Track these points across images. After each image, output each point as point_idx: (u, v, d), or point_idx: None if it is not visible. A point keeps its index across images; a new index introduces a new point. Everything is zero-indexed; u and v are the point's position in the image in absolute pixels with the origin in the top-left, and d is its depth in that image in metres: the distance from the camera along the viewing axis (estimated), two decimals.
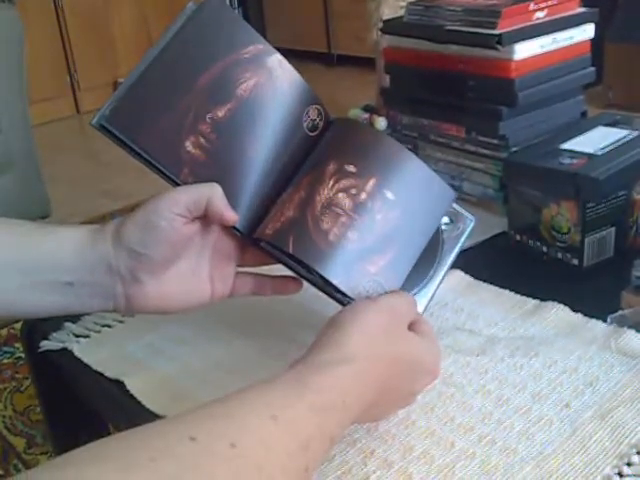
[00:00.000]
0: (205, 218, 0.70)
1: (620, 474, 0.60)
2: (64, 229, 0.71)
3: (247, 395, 0.54)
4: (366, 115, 4.16)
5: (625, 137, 0.96)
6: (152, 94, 0.71)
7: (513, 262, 0.98)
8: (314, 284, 0.73)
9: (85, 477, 0.41)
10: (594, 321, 0.80)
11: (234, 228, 0.73)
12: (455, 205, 0.79)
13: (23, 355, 1.21)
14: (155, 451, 0.45)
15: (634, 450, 0.62)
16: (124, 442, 0.46)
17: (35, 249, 0.70)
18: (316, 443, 0.54)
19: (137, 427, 0.48)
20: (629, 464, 0.61)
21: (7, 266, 0.69)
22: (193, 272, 0.73)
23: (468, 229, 0.81)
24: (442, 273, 0.77)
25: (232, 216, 0.70)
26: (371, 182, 0.72)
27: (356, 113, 4.16)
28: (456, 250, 0.79)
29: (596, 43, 1.13)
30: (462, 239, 0.80)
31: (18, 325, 1.00)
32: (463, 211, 0.81)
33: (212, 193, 0.69)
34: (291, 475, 0.51)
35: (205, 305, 0.75)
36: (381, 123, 4.10)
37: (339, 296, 0.70)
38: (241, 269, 0.77)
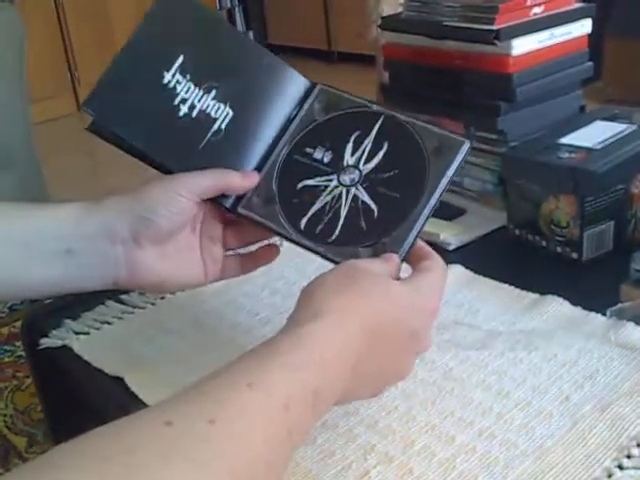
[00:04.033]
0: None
1: (620, 467, 0.60)
2: (59, 204, 0.72)
3: (221, 371, 0.54)
4: None
5: (623, 131, 0.96)
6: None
7: (512, 256, 0.98)
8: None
9: None
10: (593, 314, 0.80)
11: (221, 204, 0.74)
12: (442, 130, 0.72)
13: (24, 353, 1.21)
14: (132, 442, 0.45)
15: (634, 442, 0.62)
16: (102, 438, 0.46)
17: (33, 220, 0.71)
18: (296, 402, 0.53)
19: (115, 420, 0.48)
20: (629, 456, 0.61)
21: (6, 239, 0.70)
22: (188, 250, 0.74)
23: (459, 155, 0.71)
24: (427, 210, 0.70)
25: (254, 177, 0.75)
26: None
27: None
28: (443, 181, 0.70)
29: (595, 39, 1.13)
30: (451, 167, 0.70)
31: (18, 323, 1.00)
32: (452, 135, 0.72)
33: (226, 177, 0.73)
34: (274, 440, 0.51)
35: (199, 285, 0.76)
36: None
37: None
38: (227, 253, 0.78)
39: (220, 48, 0.77)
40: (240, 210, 0.74)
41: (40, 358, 0.93)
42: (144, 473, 0.43)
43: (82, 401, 0.92)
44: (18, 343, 2.22)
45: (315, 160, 0.74)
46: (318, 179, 0.73)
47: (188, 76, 0.74)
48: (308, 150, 0.75)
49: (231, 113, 0.75)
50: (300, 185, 0.74)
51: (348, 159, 0.73)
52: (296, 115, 0.77)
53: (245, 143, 0.75)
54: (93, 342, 0.88)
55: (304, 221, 0.72)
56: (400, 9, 1.18)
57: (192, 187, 0.71)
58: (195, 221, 0.74)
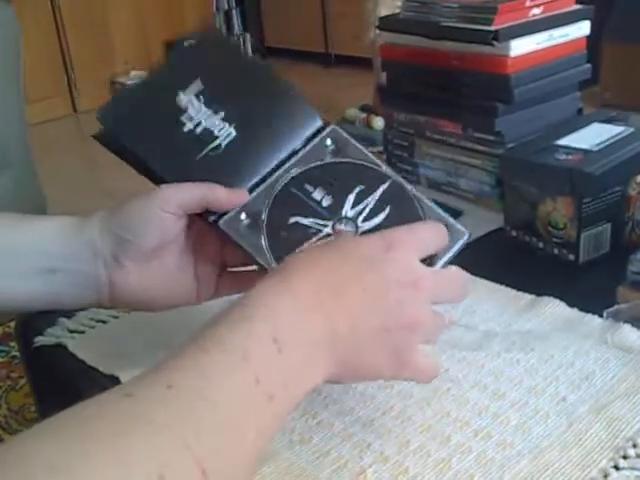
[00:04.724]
0: (194, 214, 0.71)
1: (616, 467, 0.60)
2: (49, 218, 0.72)
3: (177, 348, 0.53)
4: (363, 115, 4.19)
5: (620, 133, 0.96)
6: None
7: (509, 258, 0.98)
8: None
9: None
10: (590, 316, 0.80)
11: (205, 218, 0.72)
12: (447, 215, 0.72)
13: (18, 354, 1.21)
14: (90, 413, 0.45)
15: (630, 443, 0.62)
16: (64, 414, 0.45)
17: (20, 236, 0.71)
18: (255, 352, 0.52)
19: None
20: (625, 457, 0.61)
21: None
22: (178, 268, 0.73)
23: (456, 245, 0.70)
24: None
25: (241, 195, 0.72)
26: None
27: (353, 113, 4.18)
28: (433, 268, 0.67)
29: (592, 43, 1.13)
30: (447, 255, 0.69)
31: (13, 323, 1.00)
32: (456, 224, 0.72)
33: (210, 191, 0.70)
34: (240, 393, 0.50)
35: (191, 304, 0.75)
36: (378, 122, 4.12)
37: None
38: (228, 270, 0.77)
39: (238, 78, 0.78)
40: (221, 224, 0.71)
41: (35, 357, 0.93)
42: (101, 442, 0.42)
43: (76, 400, 0.91)
44: (12, 343, 2.22)
45: (313, 200, 0.72)
46: (312, 220, 0.71)
47: (202, 98, 0.75)
48: (308, 187, 0.73)
49: (234, 134, 0.75)
50: (292, 220, 0.71)
51: (347, 210, 0.72)
52: (301, 149, 0.75)
53: (243, 164, 0.74)
54: (88, 341, 0.87)
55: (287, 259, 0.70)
56: (397, 11, 1.18)
57: (173, 200, 0.69)
58: (185, 238, 0.73)
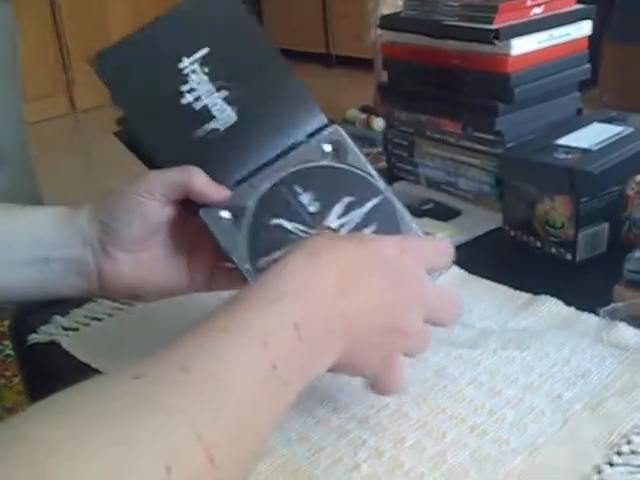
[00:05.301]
0: (187, 201, 0.70)
1: (610, 464, 0.60)
2: (42, 208, 0.72)
3: (194, 325, 0.52)
4: (364, 116, 4.19)
5: (620, 133, 0.96)
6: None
7: (507, 257, 0.98)
8: None
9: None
10: (586, 314, 0.80)
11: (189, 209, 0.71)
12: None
13: (12, 352, 1.21)
14: (99, 395, 0.44)
15: (624, 440, 0.62)
16: (70, 394, 0.45)
17: (13, 226, 0.71)
18: (276, 337, 0.52)
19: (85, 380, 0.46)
20: (619, 453, 0.61)
21: None
22: (170, 259, 0.72)
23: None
24: None
25: (220, 192, 0.70)
26: None
27: (354, 113, 4.18)
28: None
29: (592, 45, 1.13)
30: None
31: (7, 323, 1.00)
32: None
33: (189, 178, 0.69)
34: (257, 379, 0.50)
35: (182, 295, 0.75)
36: (378, 123, 4.12)
37: None
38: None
39: (249, 57, 0.74)
40: (201, 213, 0.69)
41: (28, 355, 0.92)
42: (108, 422, 0.42)
43: None
44: (6, 342, 2.22)
45: (300, 203, 0.70)
46: (295, 225, 0.70)
47: (206, 69, 0.72)
48: (297, 189, 0.71)
49: (234, 118, 0.73)
50: (275, 221, 0.70)
51: (333, 220, 0.70)
52: (300, 144, 0.73)
53: (238, 152, 0.72)
54: (82, 338, 0.87)
55: (263, 261, 0.69)
56: (399, 10, 1.18)
57: (155, 186, 0.68)
58: (176, 228, 0.72)
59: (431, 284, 0.64)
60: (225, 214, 0.70)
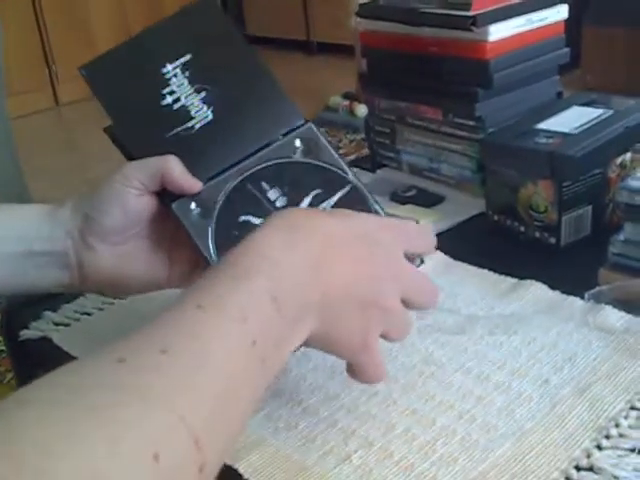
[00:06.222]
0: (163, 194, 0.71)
1: (599, 447, 0.61)
2: (27, 205, 0.73)
3: (170, 305, 0.51)
4: (346, 102, 4.19)
5: (600, 116, 0.97)
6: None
7: (491, 243, 0.99)
8: None
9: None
10: (572, 298, 0.80)
11: (161, 198, 0.72)
12: None
13: (4, 348, 1.21)
14: (83, 381, 0.44)
15: (612, 423, 0.63)
16: (52, 379, 0.44)
17: None
18: (254, 311, 0.51)
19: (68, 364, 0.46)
20: (607, 437, 0.62)
21: None
22: (151, 252, 0.73)
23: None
24: None
25: (193, 184, 0.70)
26: None
27: (336, 100, 4.18)
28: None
29: (573, 27, 1.13)
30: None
31: None
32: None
33: (166, 166, 0.69)
34: (236, 355, 0.49)
35: (162, 289, 0.74)
36: (361, 110, 4.12)
37: None
38: None
39: (230, 61, 0.76)
40: (173, 206, 0.70)
41: (20, 350, 0.93)
42: (93, 414, 0.41)
43: None
44: None
45: (267, 199, 0.71)
46: (262, 221, 0.67)
47: (187, 73, 0.74)
48: (264, 186, 0.71)
49: (210, 117, 0.74)
50: (242, 218, 0.71)
51: None
52: (274, 142, 0.74)
53: (212, 150, 0.73)
54: (73, 333, 0.88)
55: None
56: None
57: (134, 175, 0.69)
58: (156, 222, 0.72)
59: (408, 265, 0.63)
60: (195, 207, 0.71)
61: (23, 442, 0.38)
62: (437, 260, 0.91)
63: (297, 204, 0.71)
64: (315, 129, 0.75)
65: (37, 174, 3.35)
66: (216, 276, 0.54)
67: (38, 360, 0.91)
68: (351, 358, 0.62)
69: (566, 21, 1.12)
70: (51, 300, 0.93)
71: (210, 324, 0.49)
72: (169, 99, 0.74)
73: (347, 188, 0.72)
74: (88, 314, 0.91)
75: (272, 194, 0.71)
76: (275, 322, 0.53)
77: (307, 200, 0.71)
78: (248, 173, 0.72)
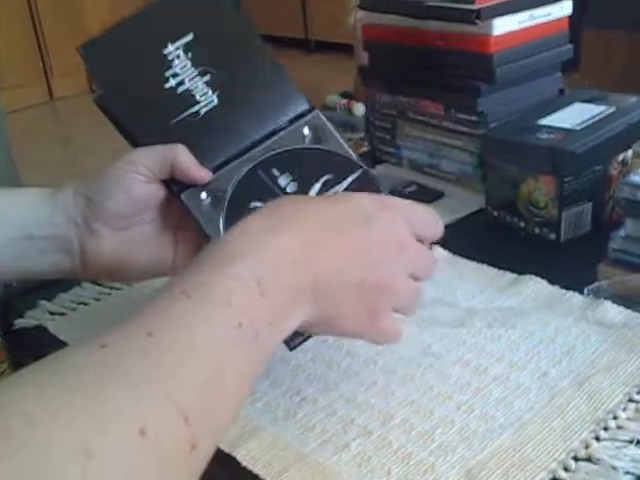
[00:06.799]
0: (171, 183, 0.70)
1: (597, 438, 0.61)
2: (26, 189, 0.72)
3: (157, 292, 0.51)
4: (344, 101, 4.18)
5: (602, 113, 0.97)
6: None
7: (491, 238, 0.99)
8: None
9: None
10: (571, 293, 0.80)
11: (169, 188, 0.71)
12: None
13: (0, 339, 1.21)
14: (67, 366, 0.44)
15: (610, 415, 0.63)
16: (38, 367, 0.44)
17: None
18: (239, 295, 0.51)
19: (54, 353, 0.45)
20: (606, 429, 0.62)
21: None
22: (155, 239, 0.72)
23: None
24: None
25: (204, 174, 0.70)
26: None
27: (334, 99, 4.17)
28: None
29: (573, 30, 1.13)
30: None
31: None
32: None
33: (176, 156, 0.69)
34: (222, 339, 0.49)
35: (165, 276, 0.74)
36: (359, 109, 4.11)
37: None
38: None
39: (233, 42, 0.75)
40: (183, 197, 0.70)
41: (15, 339, 0.92)
42: (80, 393, 0.41)
43: None
44: None
45: (278, 186, 0.71)
46: None
47: (190, 54, 0.73)
48: (275, 172, 0.71)
49: (216, 102, 0.73)
50: (253, 205, 0.70)
51: None
52: (281, 130, 0.74)
53: (219, 136, 0.73)
54: (69, 322, 0.87)
55: None
56: None
57: (140, 161, 0.69)
58: (162, 208, 0.72)
59: (411, 238, 0.62)
60: (205, 197, 0.70)
61: (12, 415, 0.39)
62: (437, 255, 0.91)
63: (307, 190, 0.71)
64: (322, 117, 0.74)
65: (31, 168, 3.34)
66: (202, 262, 0.54)
67: (33, 349, 0.90)
68: (360, 336, 0.62)
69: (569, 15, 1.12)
70: (47, 289, 0.92)
71: (195, 310, 0.49)
72: (172, 82, 0.73)
73: (358, 172, 0.72)
74: (84, 303, 0.91)
75: (282, 180, 0.71)
76: (261, 304, 0.53)
77: (317, 186, 0.71)
78: (258, 161, 0.72)
